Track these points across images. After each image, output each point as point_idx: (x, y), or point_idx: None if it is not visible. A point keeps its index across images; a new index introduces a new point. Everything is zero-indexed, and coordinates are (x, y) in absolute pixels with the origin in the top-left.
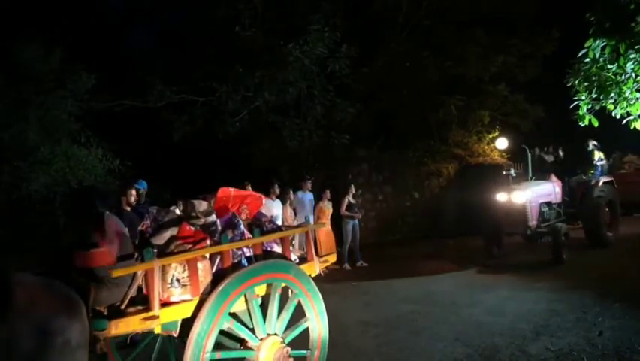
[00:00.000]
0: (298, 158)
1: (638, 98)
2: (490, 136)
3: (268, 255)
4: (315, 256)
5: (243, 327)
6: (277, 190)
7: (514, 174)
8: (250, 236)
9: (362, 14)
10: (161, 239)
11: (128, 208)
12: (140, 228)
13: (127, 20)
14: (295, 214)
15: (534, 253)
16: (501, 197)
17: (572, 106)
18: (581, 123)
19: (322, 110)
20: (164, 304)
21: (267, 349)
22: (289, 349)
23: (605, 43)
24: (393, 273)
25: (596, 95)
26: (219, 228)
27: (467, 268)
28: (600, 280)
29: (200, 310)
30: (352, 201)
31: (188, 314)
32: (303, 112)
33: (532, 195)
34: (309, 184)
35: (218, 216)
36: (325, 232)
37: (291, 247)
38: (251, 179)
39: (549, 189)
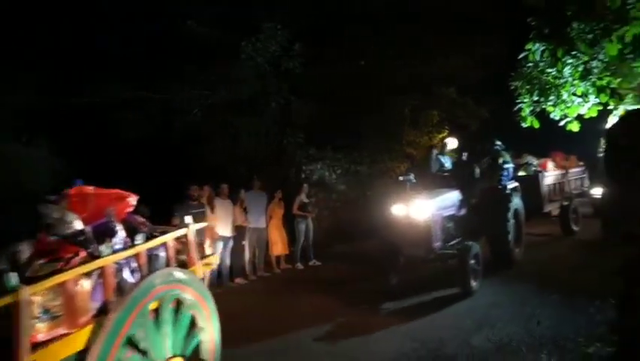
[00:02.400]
0: (252, 157)
1: (574, 101)
2: (440, 136)
3: (153, 263)
4: (197, 260)
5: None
6: (227, 190)
7: (413, 180)
8: (129, 242)
9: (316, 14)
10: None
11: None
12: None
13: (75, 15)
14: (247, 214)
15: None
16: (398, 210)
17: (515, 108)
18: (523, 124)
19: (277, 108)
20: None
21: None
22: None
23: (544, 48)
24: (345, 271)
25: (537, 98)
26: (91, 236)
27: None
28: (538, 273)
29: (92, 345)
30: (305, 200)
31: (68, 353)
32: (258, 111)
33: (435, 208)
34: (260, 184)
35: (86, 222)
36: (278, 232)
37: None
38: (203, 179)
39: (453, 199)
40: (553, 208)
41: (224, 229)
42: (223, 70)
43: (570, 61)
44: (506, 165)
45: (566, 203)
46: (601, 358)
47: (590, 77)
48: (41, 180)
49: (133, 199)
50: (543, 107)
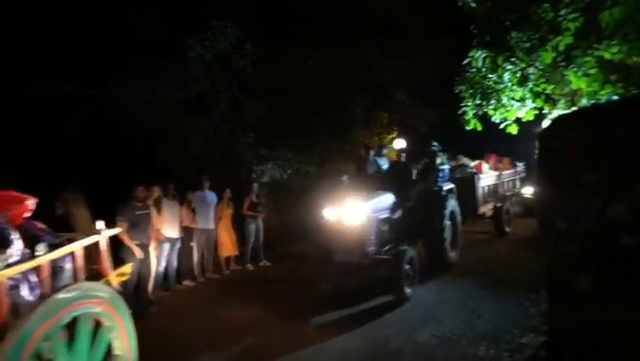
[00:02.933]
0: (201, 157)
1: (512, 105)
2: (390, 137)
3: (58, 277)
4: (111, 270)
5: None
6: (173, 191)
7: (347, 181)
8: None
9: (268, 13)
10: None
11: None
12: None
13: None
14: (195, 215)
15: None
16: (330, 213)
17: (460, 111)
18: (467, 127)
19: (227, 107)
20: None
21: None
22: None
23: (486, 55)
24: (294, 272)
25: (479, 102)
26: None
27: None
28: (482, 269)
29: None
30: (255, 200)
31: None
32: (207, 109)
33: (370, 211)
34: (209, 184)
35: None
36: (227, 233)
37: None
38: (150, 179)
39: (388, 202)
40: (487, 210)
41: (171, 231)
42: (170, 67)
43: (509, 67)
44: (442, 167)
45: (499, 205)
46: (533, 347)
47: (528, 83)
48: None
49: (32, 202)
50: (485, 110)
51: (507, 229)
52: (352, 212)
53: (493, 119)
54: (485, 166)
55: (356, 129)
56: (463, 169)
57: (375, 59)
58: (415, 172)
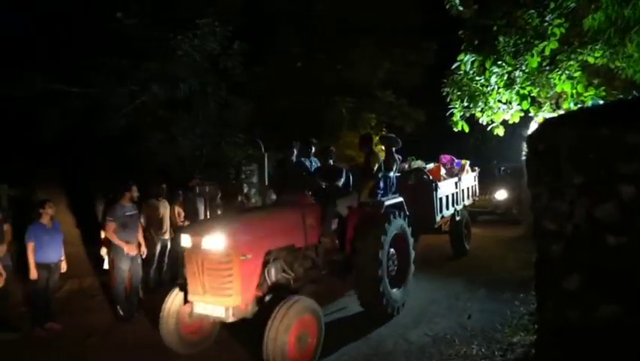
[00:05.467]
0: (189, 157)
1: (499, 108)
2: (377, 138)
3: None
4: None
5: None
6: (163, 191)
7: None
8: None
9: (256, 12)
10: None
11: None
12: None
13: None
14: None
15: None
16: (188, 241)
17: (447, 113)
18: (455, 129)
19: (215, 108)
20: None
21: None
22: None
23: (474, 58)
24: None
25: (467, 104)
26: None
27: None
28: (469, 269)
29: None
30: (244, 201)
31: None
32: (195, 109)
33: (251, 241)
34: (198, 183)
35: None
36: None
37: None
38: (138, 179)
39: (292, 223)
40: (443, 223)
41: (162, 232)
42: (157, 66)
43: (496, 70)
44: (383, 174)
45: (458, 218)
46: (524, 346)
47: (514, 86)
48: None
49: None
50: (472, 112)
51: (467, 246)
52: (216, 243)
53: (480, 121)
54: (443, 171)
55: (342, 130)
56: (417, 174)
57: (362, 59)
58: (342, 181)
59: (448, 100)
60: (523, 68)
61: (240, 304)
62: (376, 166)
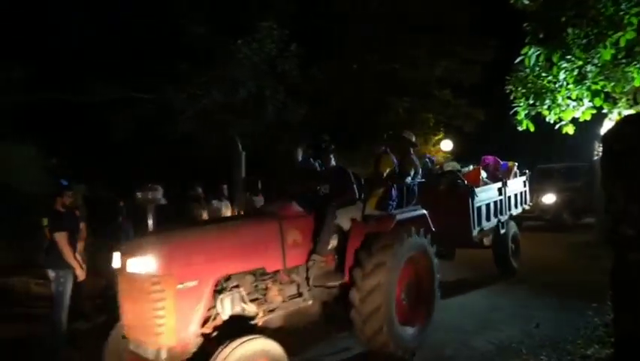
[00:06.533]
0: (247, 159)
1: (568, 105)
2: (436, 138)
3: None
4: None
5: None
6: (225, 192)
7: (161, 200)
8: None
9: (311, 14)
10: None
11: (63, 210)
12: None
13: (66, 11)
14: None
15: None
16: (117, 262)
17: (511, 112)
18: (519, 128)
19: (273, 110)
20: None
21: None
22: None
23: (539, 52)
24: None
25: (532, 102)
26: None
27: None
28: (534, 275)
29: None
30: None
31: None
32: (254, 112)
33: (194, 263)
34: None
35: None
36: None
37: None
38: (199, 180)
39: (262, 240)
40: (485, 236)
41: None
42: (219, 70)
43: (565, 65)
44: (407, 179)
45: (503, 230)
46: (599, 359)
47: (585, 81)
48: (30, 180)
49: None
50: (538, 110)
51: (514, 264)
52: (144, 266)
53: (547, 119)
54: (483, 174)
55: (399, 132)
56: (449, 179)
57: (419, 57)
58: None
59: (512, 98)
60: (595, 61)
61: (174, 344)
62: (387, 171)
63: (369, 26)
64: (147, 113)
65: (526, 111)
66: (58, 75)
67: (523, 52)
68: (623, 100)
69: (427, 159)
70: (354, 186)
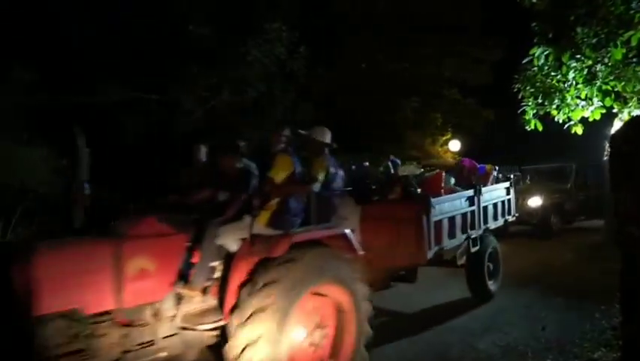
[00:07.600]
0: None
1: (578, 105)
2: (444, 138)
3: None
4: None
5: None
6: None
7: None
8: None
9: (319, 15)
10: None
11: None
12: None
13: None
14: None
15: None
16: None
17: (519, 111)
18: (527, 127)
19: (283, 111)
20: None
21: None
22: None
23: (548, 52)
24: None
25: (540, 101)
26: None
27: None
28: (541, 277)
29: None
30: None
31: None
32: (264, 113)
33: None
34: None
35: None
36: None
37: None
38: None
39: (82, 273)
40: (457, 254)
41: None
42: (228, 71)
43: (574, 65)
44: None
45: (475, 248)
46: None
47: (595, 80)
48: (41, 180)
49: None
50: (547, 110)
51: (492, 287)
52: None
53: (555, 119)
54: (451, 180)
55: (407, 131)
56: (403, 185)
57: (428, 57)
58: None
59: (520, 97)
60: (606, 60)
61: None
62: (283, 175)
63: (379, 26)
64: (156, 115)
65: (535, 111)
66: (70, 77)
67: (531, 52)
68: (634, 100)
69: (390, 162)
70: (249, 189)
